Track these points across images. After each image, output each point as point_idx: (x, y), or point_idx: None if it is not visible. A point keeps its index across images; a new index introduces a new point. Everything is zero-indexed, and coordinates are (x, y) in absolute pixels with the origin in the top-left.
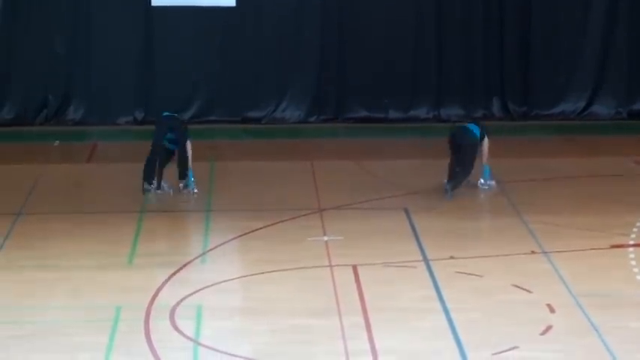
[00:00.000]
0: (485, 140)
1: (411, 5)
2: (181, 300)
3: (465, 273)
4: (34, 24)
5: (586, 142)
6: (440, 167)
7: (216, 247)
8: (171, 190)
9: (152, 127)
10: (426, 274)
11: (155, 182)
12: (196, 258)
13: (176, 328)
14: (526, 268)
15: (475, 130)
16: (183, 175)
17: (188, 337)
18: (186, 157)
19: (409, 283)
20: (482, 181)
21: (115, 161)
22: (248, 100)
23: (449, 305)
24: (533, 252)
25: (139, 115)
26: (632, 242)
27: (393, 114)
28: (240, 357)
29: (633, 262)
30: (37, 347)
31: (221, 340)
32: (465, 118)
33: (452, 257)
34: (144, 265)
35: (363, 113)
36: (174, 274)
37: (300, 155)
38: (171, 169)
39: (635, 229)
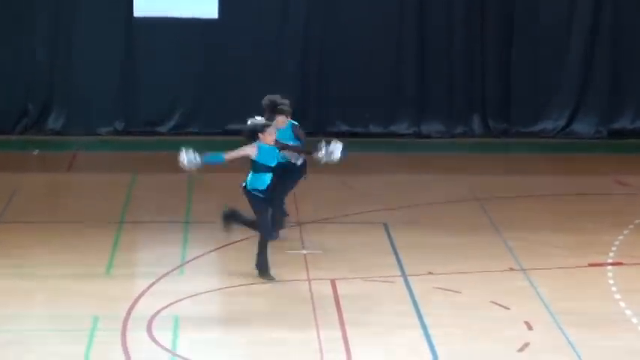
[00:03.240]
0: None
1: (393, 21)
2: (159, 311)
3: (443, 289)
4: (16, 33)
5: (566, 161)
6: (420, 183)
7: (194, 259)
8: None
9: (132, 138)
10: (405, 289)
11: None
12: (174, 269)
13: (153, 339)
14: (504, 285)
15: None
16: None
17: (165, 349)
18: None
19: (387, 298)
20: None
21: (94, 171)
22: (229, 112)
23: (427, 320)
24: (511, 269)
25: (120, 126)
26: (610, 261)
27: (373, 129)
28: None
29: (611, 281)
30: (13, 356)
31: (198, 352)
32: (445, 134)
33: (430, 273)
34: (122, 276)
35: (344, 127)
36: (152, 284)
37: None
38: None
39: (613, 248)
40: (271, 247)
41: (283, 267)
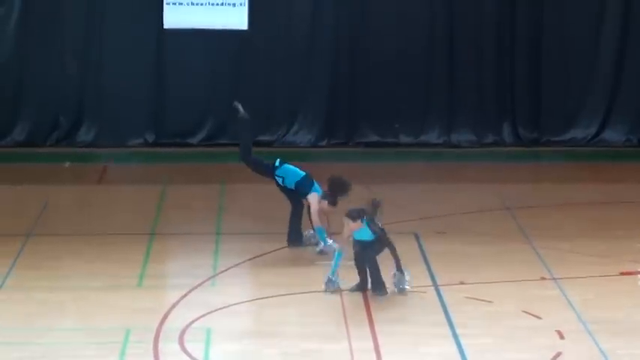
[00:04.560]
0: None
1: (423, 31)
2: (191, 323)
3: (475, 298)
4: (47, 46)
5: (596, 169)
6: (450, 192)
7: (226, 270)
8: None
9: (163, 150)
10: (436, 299)
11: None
12: (206, 280)
13: (185, 351)
14: (536, 294)
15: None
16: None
17: None
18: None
19: (419, 308)
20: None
21: (125, 183)
22: (259, 123)
23: (458, 331)
24: (542, 278)
25: (150, 138)
26: None
27: (403, 138)
28: None
29: None
30: None
31: None
32: (475, 144)
33: (462, 282)
34: (154, 287)
35: (374, 137)
36: (184, 296)
37: None
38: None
39: None
40: (301, 259)
41: (314, 278)
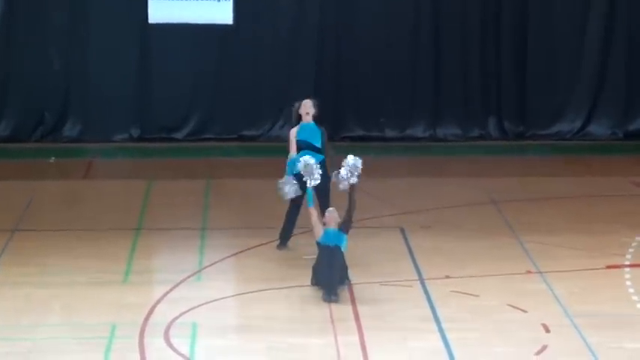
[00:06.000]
0: None
1: (408, 25)
2: (176, 318)
3: (461, 292)
4: (31, 40)
5: (582, 162)
6: (436, 186)
7: (211, 265)
8: None
9: (148, 145)
10: (422, 293)
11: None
12: (191, 276)
13: (171, 346)
14: (521, 288)
15: None
16: None
17: (183, 356)
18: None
19: (404, 302)
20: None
21: (110, 178)
22: (244, 118)
23: (444, 325)
24: (528, 272)
25: (135, 133)
26: (627, 263)
27: (389, 133)
28: None
29: (628, 283)
30: None
31: (216, 359)
32: (461, 138)
33: (447, 276)
34: (139, 283)
35: (360, 132)
36: (169, 291)
37: None
38: None
39: (630, 250)
40: (288, 253)
41: (300, 272)
